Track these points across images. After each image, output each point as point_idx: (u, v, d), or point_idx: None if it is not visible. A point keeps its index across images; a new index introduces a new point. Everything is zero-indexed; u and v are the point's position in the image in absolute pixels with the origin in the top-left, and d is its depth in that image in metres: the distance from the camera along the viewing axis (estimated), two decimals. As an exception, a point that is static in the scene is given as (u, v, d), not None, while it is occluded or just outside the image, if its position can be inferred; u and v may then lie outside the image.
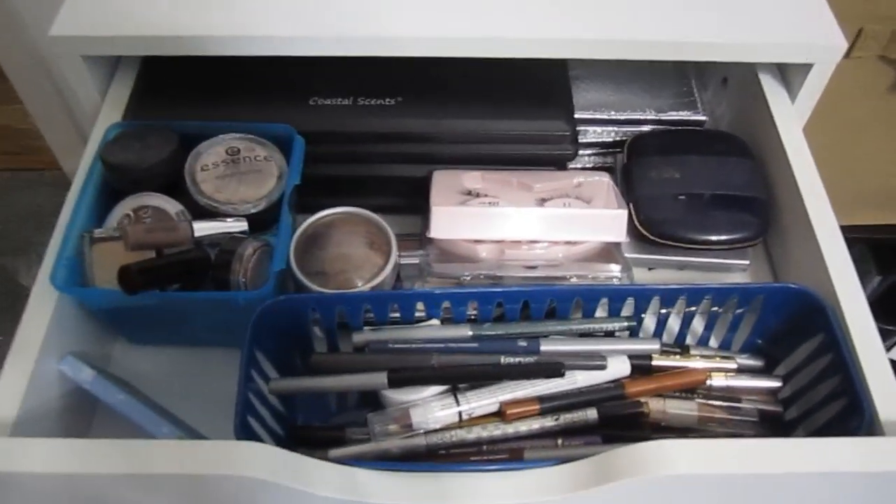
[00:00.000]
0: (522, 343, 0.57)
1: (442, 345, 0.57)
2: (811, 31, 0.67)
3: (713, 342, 0.64)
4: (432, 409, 0.53)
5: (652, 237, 0.67)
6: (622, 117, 0.74)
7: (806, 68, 0.68)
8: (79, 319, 0.60)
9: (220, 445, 0.48)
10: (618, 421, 0.56)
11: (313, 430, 0.59)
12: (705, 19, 0.67)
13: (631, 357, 0.58)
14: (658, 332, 0.62)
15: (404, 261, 0.64)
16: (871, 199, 1.22)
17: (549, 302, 0.59)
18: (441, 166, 0.69)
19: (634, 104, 0.75)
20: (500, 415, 0.54)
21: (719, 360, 0.60)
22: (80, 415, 0.61)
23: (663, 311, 0.60)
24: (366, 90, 0.68)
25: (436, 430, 0.53)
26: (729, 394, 0.59)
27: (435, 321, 0.59)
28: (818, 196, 0.63)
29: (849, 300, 0.57)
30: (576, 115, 0.71)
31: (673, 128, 0.75)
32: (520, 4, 0.67)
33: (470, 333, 0.58)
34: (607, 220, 0.64)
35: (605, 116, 0.74)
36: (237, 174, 0.63)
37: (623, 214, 0.64)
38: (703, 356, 0.61)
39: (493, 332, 0.58)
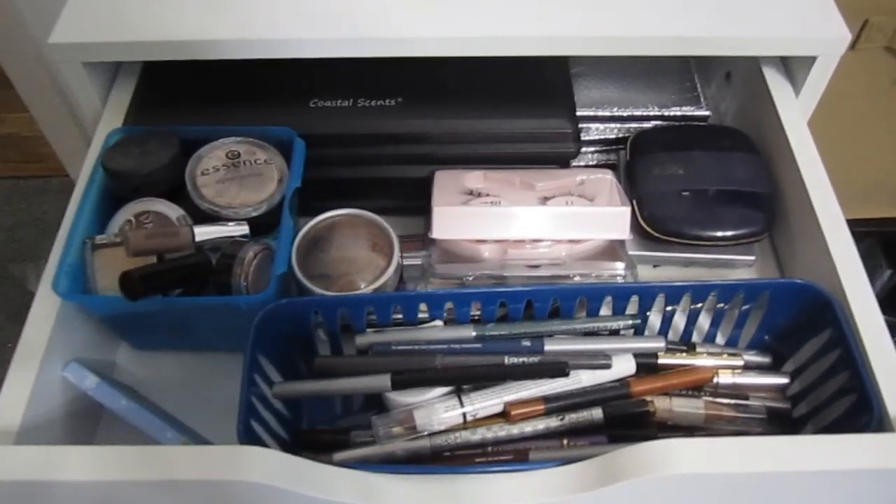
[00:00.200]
0: (526, 343, 0.57)
1: (445, 346, 0.56)
2: (814, 24, 0.66)
3: (720, 339, 0.63)
4: (436, 411, 0.53)
5: (656, 234, 0.66)
6: (625, 114, 0.74)
7: (810, 61, 0.67)
8: (82, 326, 0.60)
9: (224, 450, 0.47)
10: (623, 420, 0.55)
11: (317, 433, 0.59)
12: (708, 14, 0.67)
13: (636, 355, 0.57)
14: (663, 330, 0.61)
15: (407, 262, 0.64)
16: (881, 192, 1.21)
17: (552, 301, 0.58)
18: (442, 166, 0.68)
19: (637, 100, 0.74)
20: (504, 415, 0.54)
21: (726, 357, 0.60)
22: (84, 421, 0.61)
23: (668, 308, 0.60)
24: (366, 91, 0.68)
25: (440, 432, 0.53)
26: (736, 391, 0.59)
27: (438, 322, 0.59)
28: (824, 190, 0.63)
29: (856, 295, 0.57)
30: (578, 113, 0.70)
31: (676, 123, 0.74)
32: (520, 2, 0.67)
33: (473, 334, 0.57)
34: (610, 218, 0.63)
35: (607, 113, 0.73)
36: (238, 178, 0.62)
37: (626, 212, 0.63)
38: (709, 353, 0.60)
39: (496, 333, 0.57)
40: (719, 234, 0.66)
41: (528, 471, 0.49)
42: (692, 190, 0.67)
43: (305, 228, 0.62)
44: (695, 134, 0.72)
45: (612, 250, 0.64)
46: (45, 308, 0.57)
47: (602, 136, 0.74)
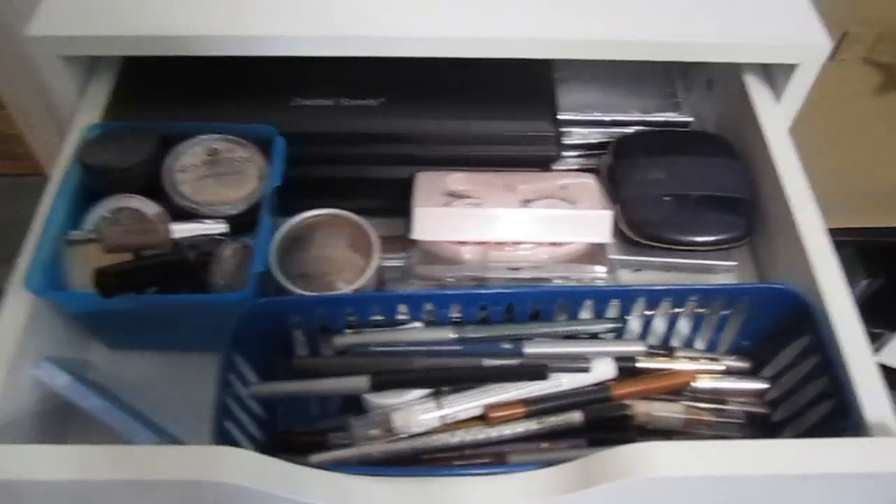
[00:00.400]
0: (506, 345, 0.56)
1: (425, 347, 0.56)
2: (796, 32, 0.67)
3: (699, 344, 0.63)
4: (415, 413, 0.52)
5: (638, 238, 0.66)
6: (607, 118, 0.73)
7: (791, 69, 0.68)
8: (55, 324, 0.59)
9: (197, 451, 0.47)
10: (603, 424, 0.55)
11: (295, 435, 0.58)
12: (690, 20, 0.67)
13: (616, 359, 0.57)
14: (644, 335, 0.61)
15: (387, 263, 0.64)
16: (859, 201, 1.22)
17: (533, 304, 0.58)
18: (424, 167, 0.68)
19: (620, 105, 0.74)
20: (483, 418, 0.54)
21: (705, 361, 0.60)
22: (56, 421, 0.59)
23: (648, 312, 0.59)
24: (348, 91, 0.68)
25: (419, 435, 0.53)
26: (715, 396, 0.59)
27: (418, 324, 0.58)
28: (804, 196, 0.63)
29: (835, 301, 0.57)
30: (561, 117, 0.70)
31: (658, 129, 0.74)
32: (503, 5, 0.67)
33: (453, 336, 0.57)
34: (592, 221, 0.63)
35: (590, 118, 0.73)
36: (217, 175, 0.62)
37: (608, 215, 0.63)
38: (689, 358, 0.60)
39: (476, 335, 0.57)
40: (700, 239, 0.66)
41: (507, 473, 0.48)
42: (674, 195, 0.67)
43: (285, 227, 0.62)
44: (677, 139, 0.73)
45: (594, 254, 0.64)
46: (17, 305, 0.56)
47: (584, 141, 0.74)
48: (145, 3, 0.66)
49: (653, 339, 0.62)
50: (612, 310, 0.59)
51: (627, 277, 0.69)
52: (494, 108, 0.67)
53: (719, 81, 0.77)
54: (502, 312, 0.58)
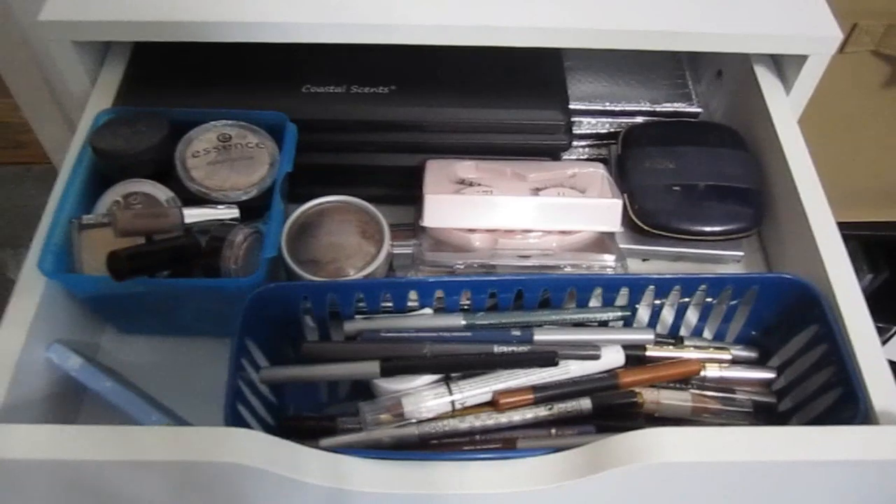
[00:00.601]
0: (516, 332, 0.57)
1: (435, 334, 0.56)
2: (806, 22, 0.67)
3: (707, 334, 0.63)
4: (424, 399, 0.53)
5: (646, 228, 0.66)
6: (617, 108, 0.74)
7: (801, 60, 0.68)
8: (66, 308, 0.59)
9: (213, 432, 0.47)
10: (612, 411, 0.55)
11: (304, 419, 0.58)
12: (700, 9, 0.67)
13: (625, 347, 0.57)
14: (652, 324, 0.61)
15: (397, 250, 0.64)
16: (863, 196, 1.22)
17: (542, 291, 0.58)
18: (434, 155, 0.68)
19: (629, 96, 0.74)
20: (493, 404, 0.54)
21: (713, 351, 0.60)
22: (67, 403, 0.60)
23: (657, 301, 0.60)
24: (359, 78, 0.68)
25: (428, 420, 0.53)
26: (723, 385, 0.59)
27: (428, 310, 0.59)
28: (813, 186, 0.63)
29: (843, 290, 0.57)
30: (570, 106, 0.70)
31: (667, 119, 0.74)
32: (515, -7, 0.67)
33: (463, 323, 0.57)
34: (602, 210, 0.64)
35: (599, 108, 0.74)
36: (228, 161, 0.62)
37: (618, 204, 0.64)
38: (696, 347, 0.60)
39: (486, 322, 0.57)
40: (708, 228, 0.66)
41: (516, 458, 0.49)
42: (682, 185, 0.67)
43: (295, 214, 0.62)
44: (686, 130, 0.73)
45: (603, 242, 0.64)
46: (29, 288, 0.56)
47: (593, 131, 0.74)
48: (158, -11, 0.66)
49: (660, 329, 0.62)
50: (621, 298, 0.59)
51: (636, 267, 0.69)
52: (505, 96, 0.67)
53: (729, 72, 0.77)
54: (512, 300, 0.58)
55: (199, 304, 0.59)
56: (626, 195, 0.67)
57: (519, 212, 0.63)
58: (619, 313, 0.59)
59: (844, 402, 0.53)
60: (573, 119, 0.71)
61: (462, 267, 0.62)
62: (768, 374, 0.60)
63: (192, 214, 0.58)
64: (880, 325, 1.18)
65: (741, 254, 0.68)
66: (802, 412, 0.57)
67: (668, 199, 0.67)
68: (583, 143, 0.75)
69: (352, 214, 0.63)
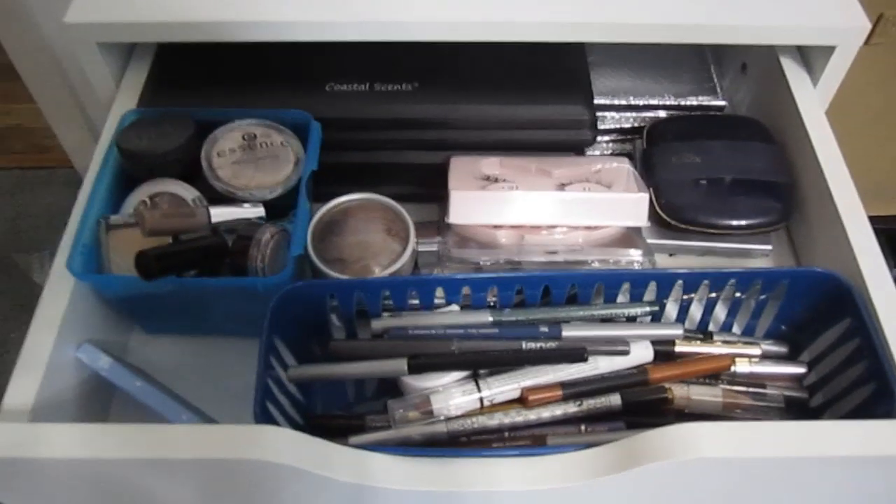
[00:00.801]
0: (544, 329, 0.56)
1: (462, 331, 0.56)
2: (833, 13, 0.66)
3: (736, 329, 0.63)
4: (453, 396, 0.52)
5: (673, 222, 0.66)
6: (641, 103, 0.73)
7: (828, 51, 0.67)
8: (95, 308, 0.60)
9: (243, 430, 0.47)
10: (641, 407, 0.55)
11: (332, 418, 0.58)
12: (725, 2, 0.66)
13: (653, 343, 0.57)
14: (680, 319, 0.61)
15: (422, 248, 0.64)
16: (889, 189, 1.20)
17: (570, 287, 0.58)
18: (458, 152, 0.68)
19: (653, 90, 0.74)
20: (521, 401, 0.54)
21: (743, 346, 0.59)
22: (97, 402, 0.60)
23: (685, 297, 0.59)
24: (382, 75, 0.68)
25: (457, 417, 0.53)
26: (753, 380, 0.58)
27: (454, 307, 0.58)
28: (843, 179, 0.62)
29: (876, 283, 0.56)
30: (594, 101, 0.70)
31: (692, 113, 0.74)
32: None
33: (490, 319, 0.57)
34: (629, 205, 0.63)
35: (623, 102, 0.73)
36: (254, 160, 0.62)
37: (645, 198, 0.63)
38: (726, 342, 0.60)
39: (513, 318, 0.57)
40: (736, 222, 0.66)
41: (547, 455, 0.48)
42: (709, 179, 0.67)
43: (321, 212, 0.62)
44: (711, 123, 0.72)
45: (629, 237, 0.64)
46: (58, 289, 0.57)
47: (618, 126, 0.74)
48: (181, -10, 0.66)
49: (689, 325, 0.62)
50: (649, 293, 0.59)
51: (663, 262, 0.68)
52: (529, 92, 0.67)
53: (754, 65, 0.77)
54: (539, 296, 0.58)
55: (226, 303, 0.59)
56: (651, 190, 0.67)
57: (544, 207, 0.62)
58: (648, 308, 0.58)
59: (879, 397, 0.52)
60: (597, 114, 0.71)
61: (488, 263, 0.62)
62: (799, 369, 0.59)
63: (219, 213, 0.58)
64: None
65: (769, 247, 0.67)
66: (835, 407, 0.56)
67: (694, 194, 0.66)
68: (606, 137, 0.75)
69: (377, 212, 0.63)
